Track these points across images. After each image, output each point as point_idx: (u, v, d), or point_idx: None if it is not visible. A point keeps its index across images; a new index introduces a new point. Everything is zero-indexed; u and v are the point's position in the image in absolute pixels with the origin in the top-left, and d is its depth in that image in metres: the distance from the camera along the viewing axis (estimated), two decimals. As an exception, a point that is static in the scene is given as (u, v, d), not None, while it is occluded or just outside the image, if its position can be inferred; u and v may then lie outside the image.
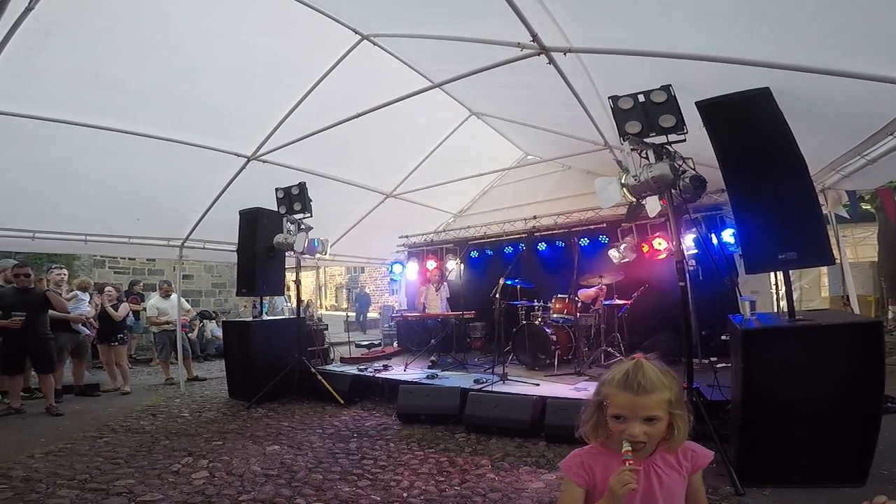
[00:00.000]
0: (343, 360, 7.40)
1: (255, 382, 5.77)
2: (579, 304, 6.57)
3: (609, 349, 6.20)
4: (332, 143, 6.38)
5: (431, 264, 8.95)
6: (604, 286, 6.49)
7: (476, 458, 3.68)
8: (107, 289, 7.15)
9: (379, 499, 2.93)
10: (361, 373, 6.15)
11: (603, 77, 4.50)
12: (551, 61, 4.25)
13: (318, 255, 6.46)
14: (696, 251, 6.20)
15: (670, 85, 3.63)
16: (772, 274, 6.44)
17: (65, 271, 6.94)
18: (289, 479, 3.29)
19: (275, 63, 5.08)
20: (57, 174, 5.43)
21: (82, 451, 3.93)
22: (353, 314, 16.78)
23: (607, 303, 6.41)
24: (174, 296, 7.73)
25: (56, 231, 6.09)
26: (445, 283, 7.77)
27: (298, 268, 6.35)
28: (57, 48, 4.01)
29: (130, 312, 7.44)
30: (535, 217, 8.53)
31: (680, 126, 3.56)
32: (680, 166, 3.66)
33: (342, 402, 5.50)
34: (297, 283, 6.32)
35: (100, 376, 7.24)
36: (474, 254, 9.25)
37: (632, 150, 3.75)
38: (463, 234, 9.56)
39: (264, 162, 6.31)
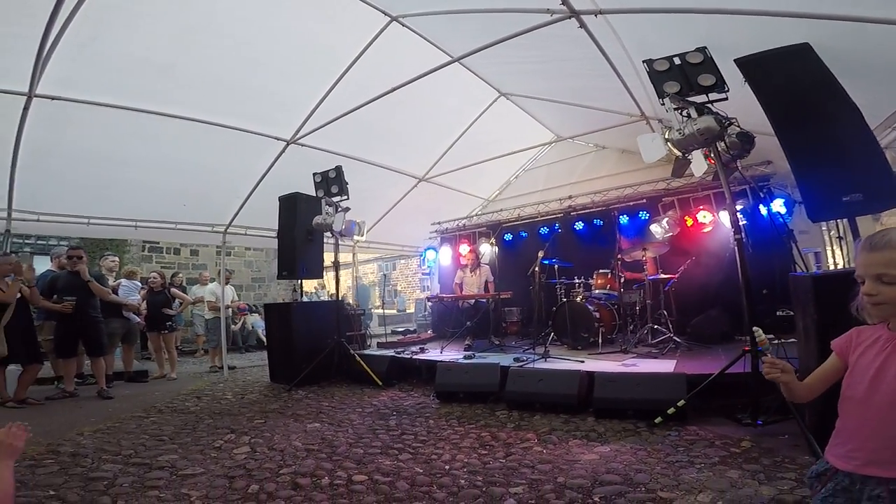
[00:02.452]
0: (380, 345, 7.38)
1: (295, 365, 5.80)
2: (622, 280, 6.27)
3: (656, 326, 5.87)
4: (366, 127, 6.43)
5: (465, 248, 8.78)
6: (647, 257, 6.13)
7: (520, 433, 3.51)
8: (152, 275, 7.38)
9: (421, 471, 2.81)
10: (398, 355, 6.07)
11: (634, 42, 4.30)
12: (582, 25, 4.10)
13: (355, 237, 6.47)
14: (744, 222, 5.81)
15: (705, 47, 3.47)
16: (827, 237, 6.03)
17: (116, 259, 7.19)
18: (329, 453, 3.22)
19: (309, 47, 5.11)
20: (110, 160, 5.62)
21: (129, 430, 4.00)
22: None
23: (652, 277, 6.07)
24: (228, 287, 7.92)
25: (109, 217, 6.32)
26: (488, 266, 7.57)
27: (337, 250, 6.34)
28: (109, 35, 4.14)
29: (177, 301, 7.65)
30: (570, 197, 8.26)
31: (720, 84, 3.40)
32: (726, 120, 3.44)
33: (380, 383, 5.44)
34: (336, 264, 6.30)
35: (148, 366, 7.47)
36: (508, 236, 9.05)
37: (674, 108, 3.55)
38: (496, 218, 9.37)
39: (302, 145, 6.38)
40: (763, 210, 5.77)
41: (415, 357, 5.94)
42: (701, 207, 6.45)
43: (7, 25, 3.75)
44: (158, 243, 11.62)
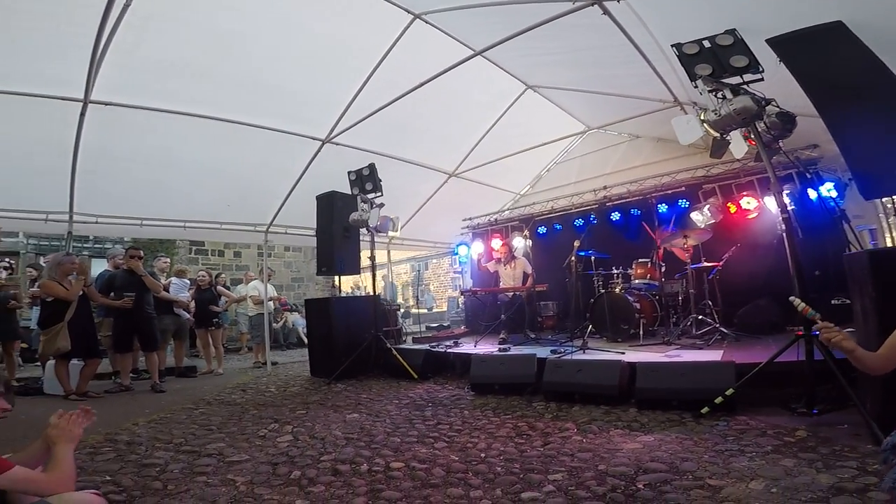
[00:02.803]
0: (415, 340, 7.43)
1: (334, 359, 5.93)
2: (663, 269, 6.06)
3: (701, 317, 5.62)
4: (396, 124, 6.53)
5: (497, 243, 8.71)
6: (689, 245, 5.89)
7: (558, 423, 3.45)
8: (200, 273, 7.73)
9: (457, 458, 2.80)
10: (433, 349, 6.09)
11: (661, 27, 4.20)
12: (606, 12, 4.05)
13: (389, 233, 6.56)
14: (792, 207, 5.52)
15: (734, 29, 3.35)
16: (882, 216, 5.63)
17: (168, 259, 7.59)
18: (368, 441, 3.26)
19: (338, 47, 5.21)
20: (159, 162, 5.91)
21: (180, 420, 4.18)
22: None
23: (695, 266, 5.83)
24: (269, 286, 8.26)
25: (160, 218, 6.66)
26: (524, 259, 7.48)
27: (373, 245, 6.43)
28: (152, 41, 4.33)
29: (223, 298, 7.96)
30: (604, 187, 8.06)
31: (754, 65, 3.25)
32: (764, 100, 3.30)
33: (416, 376, 5.47)
34: (372, 259, 6.39)
35: (197, 362, 7.81)
36: (542, 229, 8.91)
37: (708, 90, 3.43)
38: (528, 211, 9.25)
39: (337, 144, 6.53)
40: (812, 194, 5.47)
41: (449, 351, 5.95)
42: (744, 194, 6.19)
43: (61, 35, 4.00)
44: (204, 245, 12.14)
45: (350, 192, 6.31)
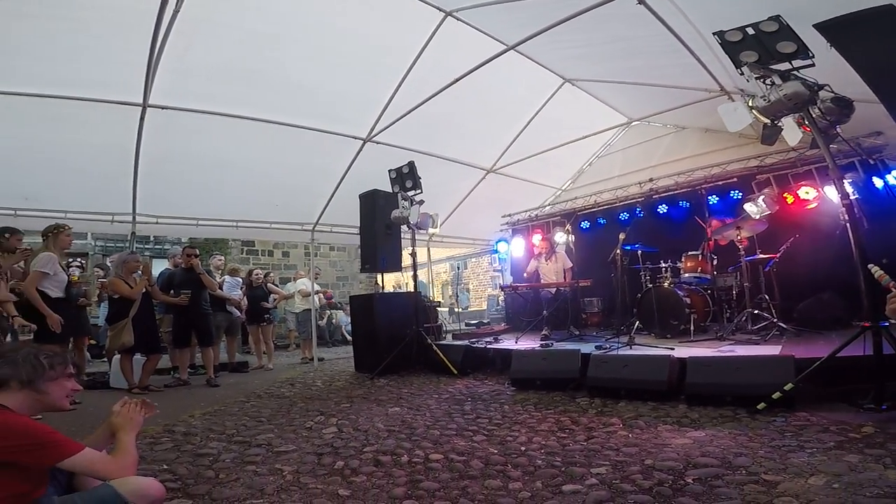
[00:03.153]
0: (455, 337, 7.45)
1: (377, 355, 6.03)
2: (715, 262, 5.77)
3: (757, 312, 5.30)
4: (433, 121, 6.60)
5: (537, 238, 8.59)
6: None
7: (603, 418, 3.35)
8: (255, 272, 8.08)
9: (496, 451, 2.78)
10: (473, 345, 6.07)
11: (700, 16, 4.07)
12: (641, 1, 3.98)
13: (429, 229, 6.62)
14: (855, 196, 5.15)
15: (779, 15, 3.18)
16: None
17: (223, 258, 7.99)
18: (409, 434, 3.30)
19: (374, 47, 5.32)
20: (211, 164, 6.21)
21: (232, 412, 4.36)
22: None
23: (750, 258, 5.53)
24: (316, 284, 8.56)
25: (214, 218, 7.01)
26: (564, 254, 7.34)
27: (413, 242, 6.51)
28: (200, 46, 4.55)
29: (272, 295, 8.30)
30: (650, 180, 7.77)
31: (803, 51, 3.07)
32: (816, 84, 3.12)
33: (455, 372, 5.47)
34: (413, 255, 6.47)
35: (248, 358, 8.14)
36: (585, 224, 8.70)
37: (755, 77, 3.26)
38: (570, 206, 9.05)
39: (377, 143, 6.67)
40: (878, 182, 5.08)
41: (489, 346, 5.91)
42: (802, 183, 5.83)
43: (119, 40, 4.26)
44: (254, 245, 12.67)
45: (391, 190, 6.41)
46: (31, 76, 4.42)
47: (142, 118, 5.11)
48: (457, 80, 5.71)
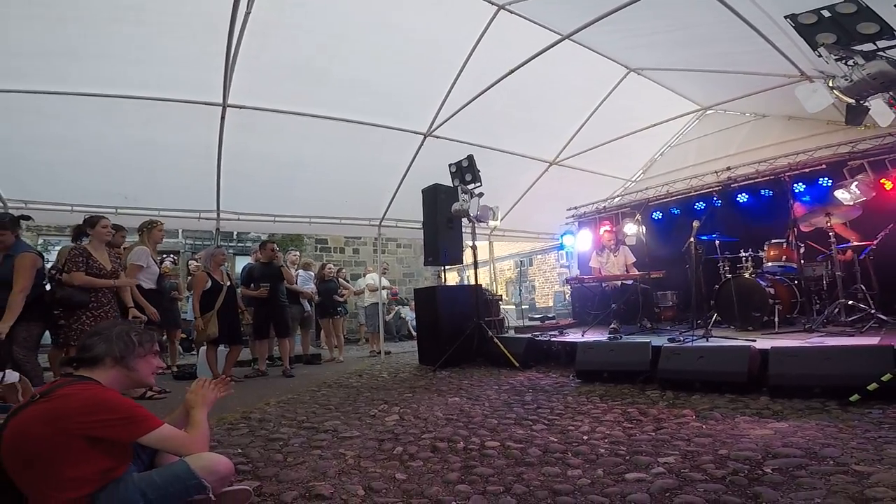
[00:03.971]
0: (517, 331, 7.35)
1: (440, 348, 6.09)
2: (802, 251, 5.25)
3: (851, 302, 4.77)
4: (492, 115, 6.60)
5: (605, 229, 8.26)
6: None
7: (674, 410, 3.16)
8: (328, 266, 8.51)
9: (555, 440, 2.71)
10: (535, 338, 5.96)
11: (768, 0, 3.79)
12: None
13: (490, 222, 6.62)
14: None
15: None
16: None
17: (298, 253, 8.49)
18: (466, 422, 3.30)
19: (430, 43, 5.40)
20: (286, 161, 6.57)
21: (304, 401, 4.58)
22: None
23: (843, 246, 4.99)
24: (384, 278, 8.86)
25: (290, 214, 7.39)
26: (627, 249, 7.04)
27: (474, 234, 6.53)
28: (273, 47, 4.81)
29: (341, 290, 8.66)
30: (728, 168, 7.28)
31: (888, 30, 2.82)
32: None
33: (517, 365, 5.40)
34: (474, 248, 6.48)
35: (320, 351, 8.55)
36: (657, 214, 8.27)
37: (835, 59, 3.05)
38: (641, 197, 8.63)
39: (437, 137, 6.76)
40: None
41: (553, 339, 5.78)
42: (904, 167, 5.20)
43: (198, 43, 4.58)
44: (327, 242, 13.29)
45: (452, 185, 6.47)
46: (122, 79, 4.80)
47: (222, 118, 5.43)
48: (511, 71, 5.66)
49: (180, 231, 11.60)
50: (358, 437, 3.14)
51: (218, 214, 6.75)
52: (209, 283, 5.66)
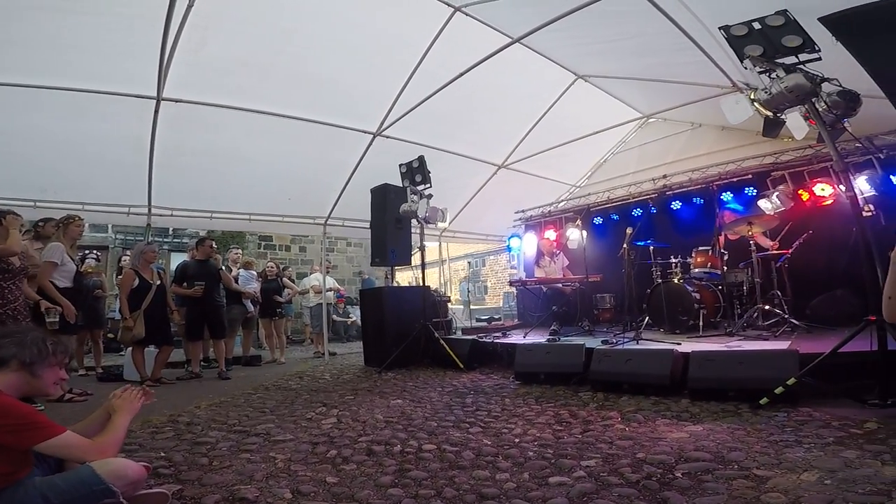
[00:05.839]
0: (464, 332, 7.46)
1: (386, 349, 6.06)
2: (726, 258, 5.65)
3: (768, 307, 5.17)
4: (443, 117, 6.62)
5: (551, 234, 8.52)
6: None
7: (602, 412, 3.32)
8: (268, 265, 8.21)
9: (489, 443, 2.77)
10: (480, 339, 6.07)
11: (708, 12, 4.08)
12: None
13: (439, 223, 6.66)
14: (873, 194, 5.03)
15: (786, 9, 3.15)
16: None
17: (240, 251, 8.15)
18: (406, 425, 3.31)
19: (384, 41, 5.35)
20: (226, 157, 6.32)
21: (238, 404, 4.42)
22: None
23: (761, 254, 5.41)
24: (330, 277, 8.63)
25: (228, 211, 7.11)
26: (561, 252, 7.33)
27: (422, 235, 6.55)
28: (215, 40, 4.62)
29: (286, 290, 8.43)
30: (664, 176, 7.67)
31: (809, 44, 3.04)
32: (819, 77, 3.07)
33: (462, 366, 5.48)
34: (422, 249, 6.50)
35: (261, 352, 8.28)
36: (598, 220, 8.59)
37: (759, 71, 3.24)
38: (584, 202, 8.96)
39: (387, 137, 6.71)
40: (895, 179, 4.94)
41: (496, 341, 5.91)
42: (818, 180, 5.73)
43: (130, 34, 4.34)
44: (272, 239, 12.86)
45: (401, 185, 6.43)
46: (48, 68, 4.52)
47: (156, 111, 5.20)
48: (462, 73, 5.71)
49: (110, 226, 10.93)
50: (291, 440, 3.07)
51: (149, 210, 6.43)
52: (137, 282, 5.38)
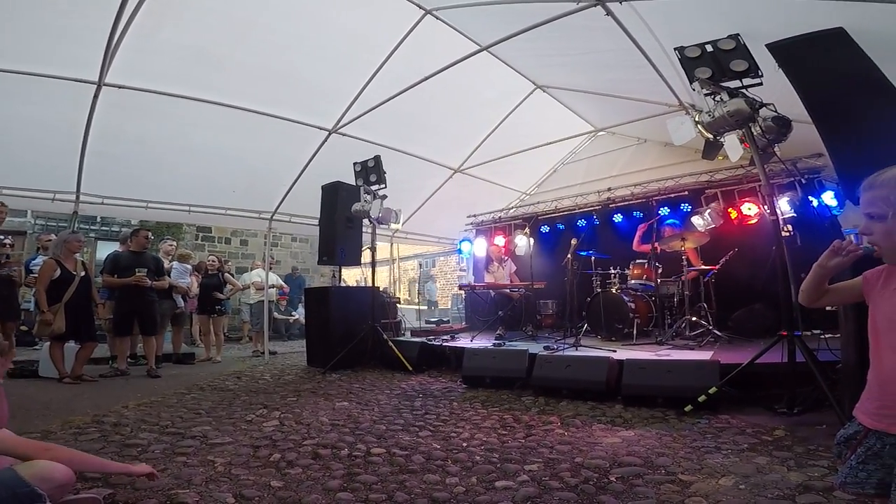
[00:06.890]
0: (413, 334, 7.47)
1: (331, 349, 5.96)
2: (660, 271, 6.04)
3: (695, 319, 5.60)
4: (403, 118, 6.58)
5: (500, 240, 8.73)
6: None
7: (544, 417, 3.47)
8: (210, 258, 7.79)
9: (438, 447, 2.83)
10: (429, 342, 6.12)
11: (665, 31, 4.28)
12: (609, 13, 4.12)
13: (391, 224, 6.62)
14: (792, 215, 5.52)
15: (738, 34, 3.39)
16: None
17: (174, 243, 7.65)
18: (353, 428, 3.30)
19: (350, 39, 5.26)
20: (168, 146, 5.99)
21: (170, 404, 4.20)
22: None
23: (692, 268, 5.83)
24: (273, 274, 8.34)
25: (165, 201, 6.71)
26: (510, 259, 7.54)
27: (374, 236, 6.48)
28: (171, 27, 4.38)
29: (227, 286, 8.05)
30: (609, 189, 8.07)
31: (753, 69, 3.31)
32: (758, 102, 3.34)
33: (410, 368, 5.50)
34: (372, 249, 6.44)
35: (195, 350, 7.88)
36: (545, 228, 8.90)
37: (705, 94, 3.48)
38: (533, 210, 9.25)
39: (343, 135, 6.58)
40: (814, 202, 5.47)
41: (444, 344, 5.98)
42: (746, 199, 6.22)
43: (81, 18, 4.07)
44: (211, 231, 12.22)
45: (354, 184, 6.34)
46: None
47: (95, 96, 4.89)
48: (426, 78, 5.72)
49: (29, 212, 10.00)
50: (230, 443, 2.98)
51: (77, 196, 5.96)
52: (58, 272, 4.99)
